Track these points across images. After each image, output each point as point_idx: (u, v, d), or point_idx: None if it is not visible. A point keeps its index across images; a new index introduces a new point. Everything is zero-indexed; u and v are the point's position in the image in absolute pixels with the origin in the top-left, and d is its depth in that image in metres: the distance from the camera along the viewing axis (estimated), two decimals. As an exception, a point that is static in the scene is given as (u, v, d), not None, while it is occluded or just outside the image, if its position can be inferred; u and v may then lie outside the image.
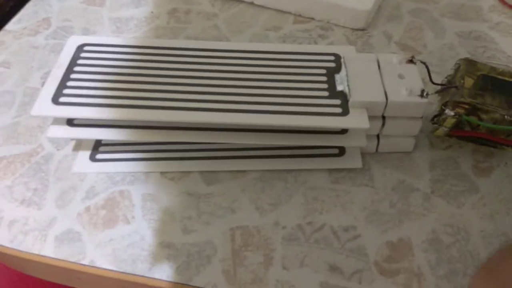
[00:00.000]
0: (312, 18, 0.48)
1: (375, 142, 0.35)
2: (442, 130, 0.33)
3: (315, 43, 0.45)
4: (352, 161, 0.35)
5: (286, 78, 0.34)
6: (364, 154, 0.36)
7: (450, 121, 0.32)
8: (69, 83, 0.33)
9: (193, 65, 0.35)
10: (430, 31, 0.46)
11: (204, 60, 0.36)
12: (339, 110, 0.32)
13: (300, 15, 0.48)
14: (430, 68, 0.33)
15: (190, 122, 0.33)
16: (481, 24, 0.46)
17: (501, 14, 0.47)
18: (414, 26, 0.46)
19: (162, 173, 0.35)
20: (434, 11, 0.48)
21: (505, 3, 0.48)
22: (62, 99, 0.32)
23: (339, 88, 0.34)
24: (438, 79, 0.36)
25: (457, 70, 0.34)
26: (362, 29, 0.46)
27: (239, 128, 0.33)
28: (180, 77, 0.34)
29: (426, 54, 0.44)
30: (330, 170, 0.35)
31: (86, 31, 0.47)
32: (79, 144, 0.37)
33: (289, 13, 0.48)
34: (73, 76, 0.34)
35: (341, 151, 0.35)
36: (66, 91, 0.33)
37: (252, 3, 0.50)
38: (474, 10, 0.48)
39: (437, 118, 0.33)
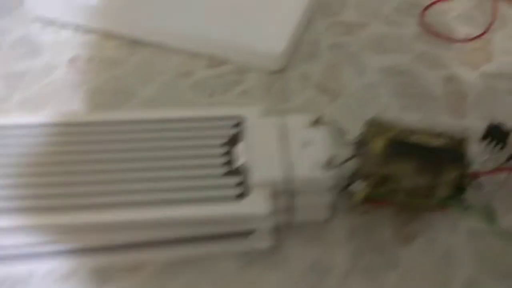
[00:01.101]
0: (226, 61, 0.44)
1: (287, 214, 0.32)
2: (356, 199, 0.30)
3: (227, 91, 0.41)
4: (261, 239, 0.31)
5: (175, 155, 0.30)
6: (277, 226, 0.32)
7: (361, 194, 0.29)
8: None
9: (61, 147, 0.31)
10: (350, 68, 0.43)
11: (80, 139, 0.31)
12: (236, 191, 0.28)
13: (213, 58, 0.44)
14: (349, 112, 0.30)
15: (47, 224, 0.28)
16: (404, 55, 0.43)
17: (425, 43, 0.44)
18: (333, 63, 0.43)
19: (48, 271, 0.31)
20: (354, 45, 0.44)
21: (429, 31, 0.45)
22: None
23: (238, 163, 0.30)
24: (357, 125, 0.32)
25: (367, 131, 0.31)
26: (279, 71, 0.43)
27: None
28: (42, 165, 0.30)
29: (346, 97, 0.40)
30: (238, 253, 0.31)
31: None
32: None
33: (202, 56, 0.44)
34: None
35: (250, 228, 0.32)
36: None
37: (160, 47, 0.45)
38: (397, 40, 0.45)
39: (349, 187, 0.30)
